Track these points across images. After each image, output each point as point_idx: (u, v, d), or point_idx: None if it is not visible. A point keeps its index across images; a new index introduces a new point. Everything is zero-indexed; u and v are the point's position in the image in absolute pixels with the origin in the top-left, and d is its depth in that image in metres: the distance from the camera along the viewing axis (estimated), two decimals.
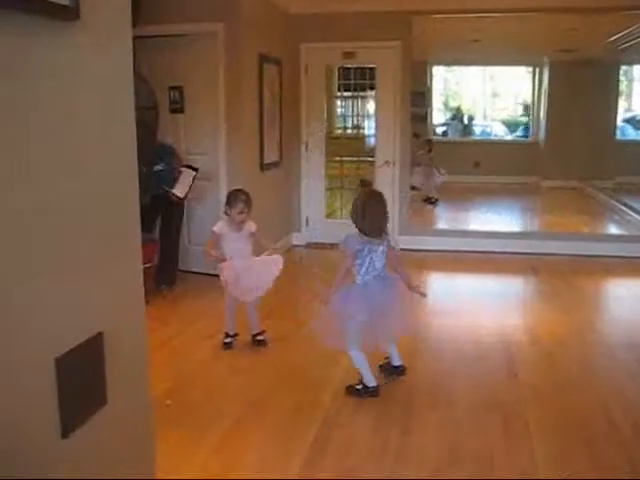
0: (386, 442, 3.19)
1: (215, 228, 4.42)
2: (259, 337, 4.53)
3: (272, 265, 4.47)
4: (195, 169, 5.79)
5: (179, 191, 5.68)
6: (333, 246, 7.39)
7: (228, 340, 4.49)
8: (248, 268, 4.37)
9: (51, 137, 1.12)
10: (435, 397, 3.73)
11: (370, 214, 3.65)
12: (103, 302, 1.31)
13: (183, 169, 5.77)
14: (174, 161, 5.71)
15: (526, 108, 14.17)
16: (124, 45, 1.32)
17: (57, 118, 1.13)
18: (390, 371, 3.97)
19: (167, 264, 5.87)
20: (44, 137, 1.10)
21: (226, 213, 4.41)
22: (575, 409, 3.53)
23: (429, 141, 10.90)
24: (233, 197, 4.40)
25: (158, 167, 5.48)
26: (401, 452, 3.12)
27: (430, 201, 10.30)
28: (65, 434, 1.20)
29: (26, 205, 1.06)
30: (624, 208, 9.25)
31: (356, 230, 3.68)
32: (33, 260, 1.09)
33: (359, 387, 3.75)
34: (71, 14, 1.12)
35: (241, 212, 4.34)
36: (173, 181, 5.67)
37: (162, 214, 5.89)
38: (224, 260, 4.37)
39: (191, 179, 5.75)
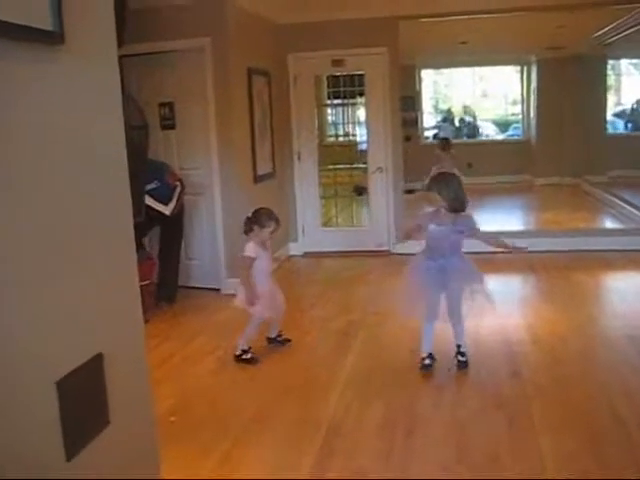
0: (392, 445, 3.19)
1: (250, 253, 4.32)
2: (281, 337, 4.65)
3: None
4: (181, 184, 5.73)
5: (166, 209, 5.59)
6: (330, 254, 7.44)
7: (247, 356, 4.43)
8: (272, 285, 4.47)
9: (40, 160, 1.13)
10: (439, 397, 3.73)
11: (455, 190, 3.95)
12: (101, 323, 1.32)
13: (178, 184, 5.75)
14: (168, 178, 5.67)
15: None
16: (110, 66, 1.33)
17: (45, 141, 1.14)
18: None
19: (167, 281, 5.87)
20: (33, 160, 1.11)
21: (247, 232, 4.37)
22: (579, 405, 3.53)
23: (446, 139, 10.27)
24: (266, 216, 4.36)
25: (152, 185, 5.44)
26: (407, 454, 3.12)
27: None
28: (69, 457, 1.20)
29: (19, 229, 1.06)
30: (619, 202, 9.27)
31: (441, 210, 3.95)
32: (29, 284, 1.09)
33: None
34: (56, 39, 1.13)
35: (274, 231, 4.40)
36: (169, 198, 5.62)
37: (161, 231, 5.87)
38: (255, 299, 4.33)
39: (177, 194, 5.66)
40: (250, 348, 4.48)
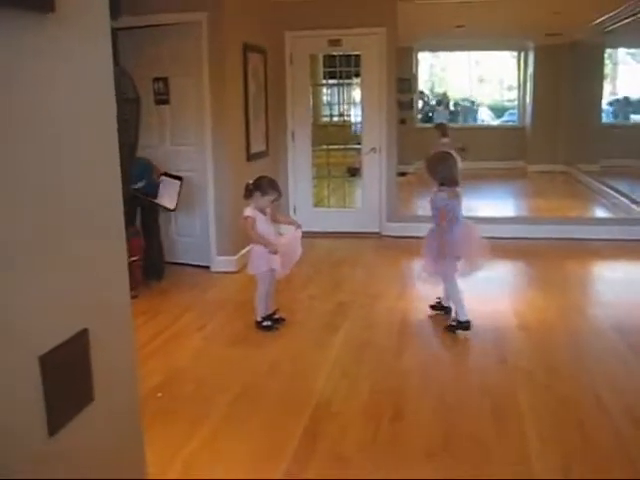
0: (377, 429, 3.20)
1: (250, 213, 4.41)
2: (276, 315, 4.67)
3: (296, 240, 4.59)
4: (179, 178, 5.84)
5: (169, 203, 5.77)
6: (322, 235, 7.42)
7: (268, 323, 4.58)
8: (281, 245, 4.50)
9: (26, 135, 1.10)
10: (425, 383, 3.74)
11: (444, 167, 4.50)
12: (87, 297, 1.30)
13: (163, 178, 5.84)
14: (153, 175, 5.80)
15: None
16: (102, 37, 1.30)
17: (31, 115, 1.12)
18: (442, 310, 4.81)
19: (153, 257, 5.85)
20: (19, 135, 1.08)
21: (246, 197, 4.44)
22: (566, 393, 3.56)
23: (442, 125, 9.89)
24: (269, 185, 4.44)
25: (140, 184, 5.58)
26: (393, 438, 3.13)
27: None
28: (52, 432, 1.19)
29: (3, 199, 1.04)
30: (610, 191, 9.29)
31: (437, 188, 4.49)
32: (13, 255, 1.07)
33: (453, 323, 4.50)
34: (45, 6, 1.09)
35: (274, 200, 4.49)
36: (156, 191, 5.77)
37: (140, 210, 5.87)
38: (276, 251, 4.39)
39: (178, 189, 5.80)
40: (274, 312, 4.65)
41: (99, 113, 1.32)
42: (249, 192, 4.43)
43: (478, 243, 4.53)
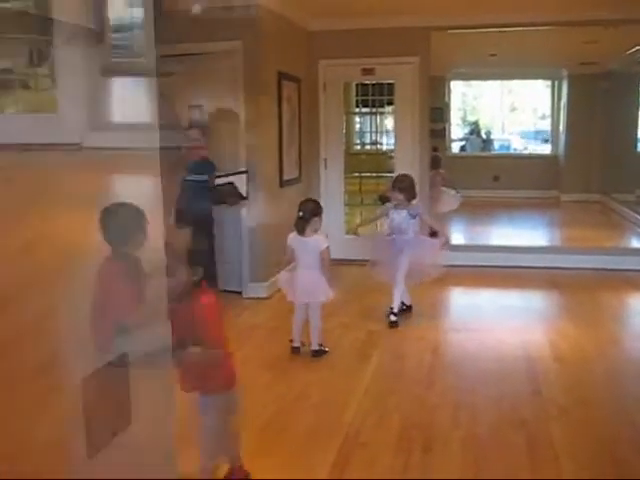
0: (408, 460, 3.16)
1: (327, 241, 4.50)
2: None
3: None
4: (245, 172, 5.89)
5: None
6: (353, 262, 7.40)
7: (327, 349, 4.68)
8: None
9: None
10: (457, 415, 3.68)
11: (413, 185, 5.35)
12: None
13: (218, 181, 5.82)
14: (214, 174, 5.80)
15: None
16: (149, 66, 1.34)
17: None
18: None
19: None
20: None
21: (304, 228, 4.44)
22: (601, 427, 3.48)
23: (435, 158, 8.87)
24: (319, 205, 4.58)
25: (203, 177, 5.62)
26: (424, 470, 3.09)
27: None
28: (91, 454, 1.20)
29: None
30: None
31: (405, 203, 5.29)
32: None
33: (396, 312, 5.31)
34: (96, 38, 1.14)
35: None
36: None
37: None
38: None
39: (245, 180, 5.86)
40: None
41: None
42: (305, 221, 4.42)
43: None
